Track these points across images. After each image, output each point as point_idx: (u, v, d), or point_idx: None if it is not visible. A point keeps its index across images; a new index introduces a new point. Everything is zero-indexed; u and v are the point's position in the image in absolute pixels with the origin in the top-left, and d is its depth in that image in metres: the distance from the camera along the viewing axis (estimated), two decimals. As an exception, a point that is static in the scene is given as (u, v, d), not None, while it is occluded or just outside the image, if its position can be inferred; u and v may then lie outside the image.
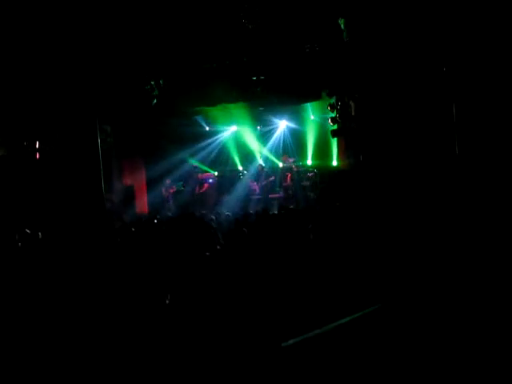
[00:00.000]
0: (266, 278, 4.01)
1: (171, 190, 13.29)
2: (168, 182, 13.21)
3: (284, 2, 8.68)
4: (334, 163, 12.98)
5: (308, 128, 13.84)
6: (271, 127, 14.67)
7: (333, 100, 10.41)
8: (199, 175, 13.77)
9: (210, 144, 14.75)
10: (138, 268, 4.95)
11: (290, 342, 2.39)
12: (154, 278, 4.31)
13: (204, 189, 13.53)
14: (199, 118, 14.16)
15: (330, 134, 11.53)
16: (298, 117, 13.78)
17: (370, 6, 8.36)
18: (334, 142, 12.40)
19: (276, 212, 8.45)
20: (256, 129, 14.95)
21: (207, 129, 14.90)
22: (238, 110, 12.98)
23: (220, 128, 14.74)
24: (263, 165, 13.74)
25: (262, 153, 14.86)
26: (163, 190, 13.17)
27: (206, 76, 10.48)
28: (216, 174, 14.60)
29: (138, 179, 12.71)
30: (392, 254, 4.76)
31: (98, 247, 6.88)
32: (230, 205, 12.24)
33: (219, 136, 14.97)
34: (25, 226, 8.07)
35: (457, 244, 4.89)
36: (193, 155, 14.24)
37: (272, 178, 13.16)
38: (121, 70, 9.85)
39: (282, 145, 14.67)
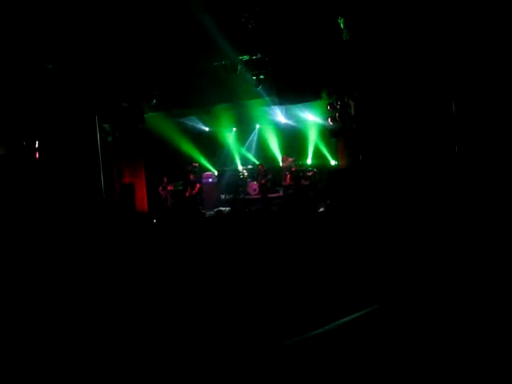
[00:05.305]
0: (267, 277, 4.03)
1: (169, 188, 13.23)
2: (165, 180, 13.15)
3: (284, 1, 8.68)
4: (333, 163, 13.04)
5: (308, 128, 13.86)
6: (271, 127, 14.67)
7: (332, 100, 10.43)
8: (191, 176, 13.56)
9: (210, 143, 14.74)
10: (138, 266, 4.95)
11: (292, 340, 2.40)
12: (155, 275, 4.32)
13: (196, 190, 13.39)
14: (199, 118, 14.15)
15: (329, 133, 11.58)
16: (297, 116, 13.78)
17: (370, 5, 8.36)
18: (334, 142, 12.42)
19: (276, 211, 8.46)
20: (255, 128, 15.00)
21: (207, 129, 14.91)
22: (237, 110, 12.98)
23: (220, 128, 14.74)
24: (263, 164, 13.73)
25: (260, 152, 14.90)
26: (160, 188, 13.11)
27: (205, 76, 10.49)
28: (216, 173, 14.60)
29: (137, 178, 12.69)
30: (391, 254, 4.77)
31: (97, 244, 6.89)
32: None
33: (219, 135, 14.98)
34: (25, 225, 8.08)
35: (457, 243, 4.90)
36: (194, 154, 14.22)
37: (269, 176, 13.17)
38: (120, 70, 9.85)
39: (280, 144, 14.67)
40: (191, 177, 13.44)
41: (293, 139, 14.31)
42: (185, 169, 13.74)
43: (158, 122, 12.37)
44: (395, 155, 8.80)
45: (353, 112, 10.17)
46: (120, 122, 11.16)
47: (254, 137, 15.23)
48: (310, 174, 12.81)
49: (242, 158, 15.21)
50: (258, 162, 14.11)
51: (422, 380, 2.33)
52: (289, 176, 12.92)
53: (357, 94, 9.90)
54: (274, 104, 12.03)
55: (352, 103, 10.16)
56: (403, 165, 8.59)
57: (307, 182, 12.70)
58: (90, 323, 3.74)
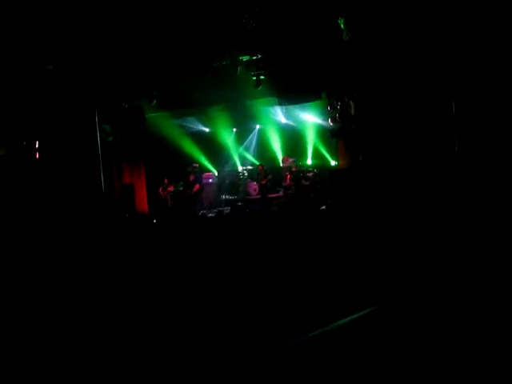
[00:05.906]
0: (268, 277, 4.03)
1: (169, 189, 13.23)
2: (166, 182, 13.16)
3: (284, 1, 8.68)
4: (333, 163, 13.05)
5: (308, 128, 13.86)
6: (271, 127, 14.66)
7: (333, 100, 10.43)
8: (190, 176, 13.55)
9: (210, 143, 14.74)
10: (139, 266, 4.95)
11: (292, 340, 2.40)
12: (155, 275, 4.32)
13: (195, 190, 13.38)
14: (199, 119, 14.15)
15: (329, 134, 11.57)
16: (297, 116, 13.77)
17: (370, 6, 8.37)
18: (334, 142, 12.43)
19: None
20: (255, 128, 15.01)
21: (207, 130, 14.91)
22: (237, 110, 12.99)
23: (220, 129, 14.74)
24: (264, 165, 13.75)
25: (260, 152, 14.91)
26: (160, 189, 13.12)
27: (205, 76, 10.49)
28: (216, 173, 14.61)
29: (137, 178, 12.70)
30: (391, 255, 4.77)
31: (97, 245, 6.90)
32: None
33: (219, 136, 14.98)
34: (25, 225, 8.08)
35: (456, 243, 4.90)
36: (194, 154, 14.22)
37: (270, 177, 13.18)
38: (121, 70, 9.85)
39: (281, 145, 14.67)
40: (191, 177, 13.43)
41: (293, 139, 14.30)
42: (185, 169, 13.75)
43: (159, 122, 12.38)
44: (395, 155, 8.80)
45: (353, 112, 10.18)
46: (120, 122, 11.16)
47: (253, 137, 15.24)
48: (311, 174, 12.83)
49: (241, 159, 15.22)
50: (258, 163, 14.12)
51: (422, 381, 2.33)
52: (289, 176, 12.93)
53: (357, 95, 9.91)
54: (274, 104, 12.03)
55: (352, 104, 10.16)
56: (403, 165, 8.60)
57: (307, 183, 12.71)
58: (89, 323, 3.74)
